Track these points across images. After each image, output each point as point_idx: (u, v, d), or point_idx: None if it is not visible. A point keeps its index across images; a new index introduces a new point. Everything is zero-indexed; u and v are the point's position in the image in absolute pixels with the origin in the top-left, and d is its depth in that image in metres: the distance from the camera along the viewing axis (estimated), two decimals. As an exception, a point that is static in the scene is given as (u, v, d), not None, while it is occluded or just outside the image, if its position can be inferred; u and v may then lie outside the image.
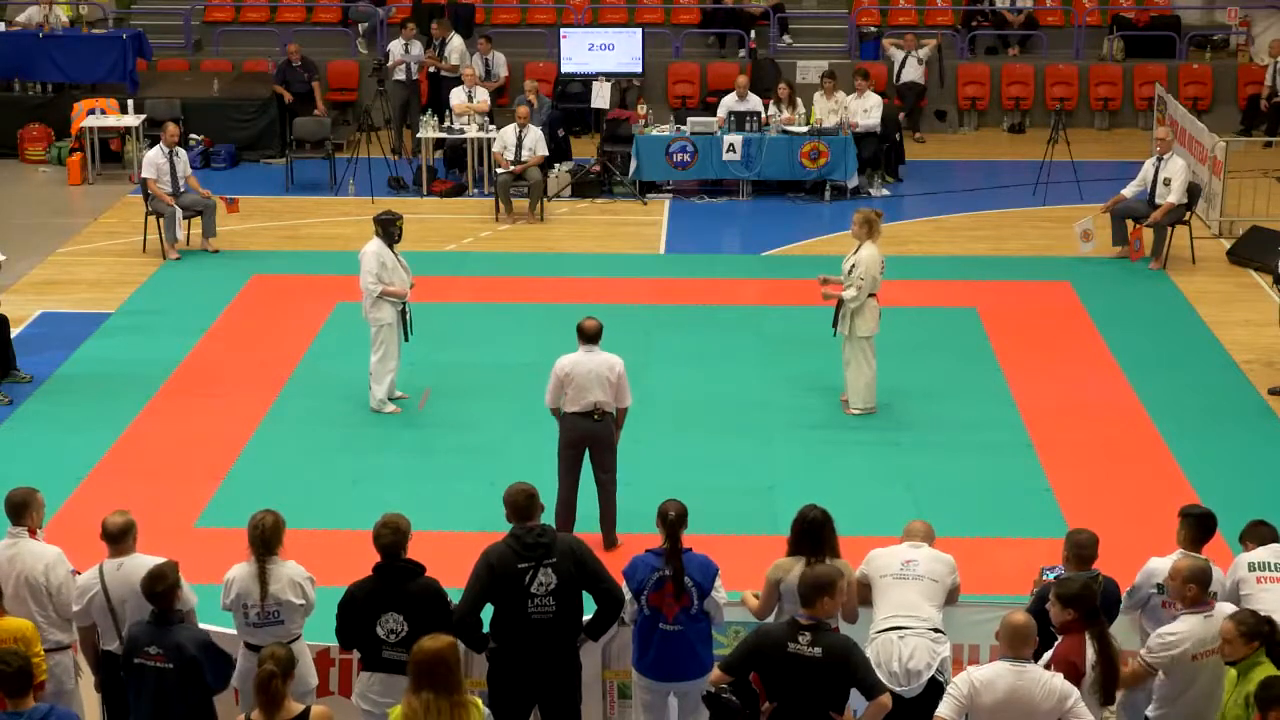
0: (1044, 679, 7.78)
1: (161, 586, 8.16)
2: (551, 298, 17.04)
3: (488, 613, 8.63)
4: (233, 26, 25.90)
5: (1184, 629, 8.31)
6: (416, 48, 22.68)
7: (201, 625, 8.59)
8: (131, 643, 8.25)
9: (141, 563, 8.63)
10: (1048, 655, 8.10)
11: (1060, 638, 8.16)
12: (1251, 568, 8.89)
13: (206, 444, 13.67)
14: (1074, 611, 8.06)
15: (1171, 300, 17.27)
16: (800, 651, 7.81)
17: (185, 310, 16.80)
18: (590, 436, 11.71)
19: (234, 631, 8.75)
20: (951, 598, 8.95)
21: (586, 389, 11.60)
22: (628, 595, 8.71)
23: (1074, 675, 7.96)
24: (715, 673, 8.11)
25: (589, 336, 11.69)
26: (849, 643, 7.97)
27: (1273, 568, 8.85)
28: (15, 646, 8.09)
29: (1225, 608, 8.39)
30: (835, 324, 13.99)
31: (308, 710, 7.58)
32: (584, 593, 8.66)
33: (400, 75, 22.49)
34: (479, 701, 7.65)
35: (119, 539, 8.71)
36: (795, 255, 18.77)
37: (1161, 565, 8.90)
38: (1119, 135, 24.44)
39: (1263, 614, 7.96)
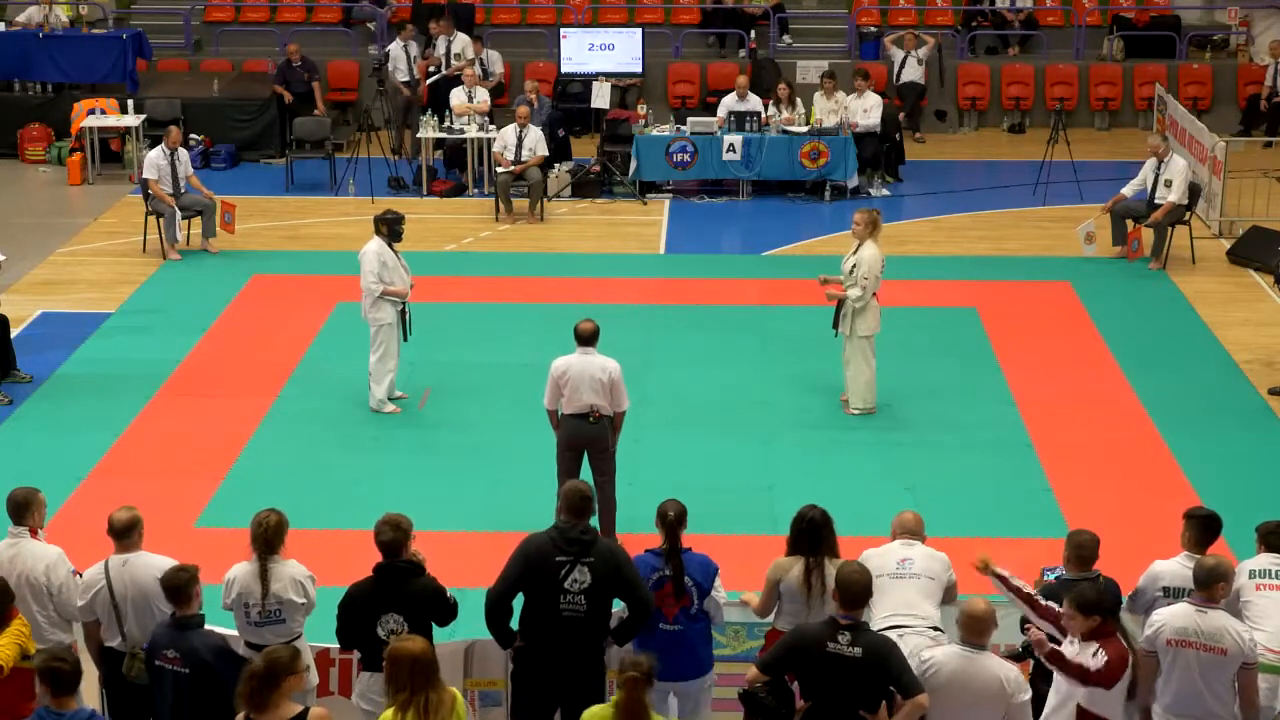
0: (998, 668, 7.83)
1: (177, 582, 8.18)
2: (551, 298, 17.03)
3: (517, 608, 8.59)
4: (233, 26, 25.88)
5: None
6: (415, 48, 22.69)
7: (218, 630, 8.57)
8: (153, 644, 8.30)
9: (147, 559, 8.67)
10: (1102, 660, 7.96)
11: (1096, 645, 8.02)
12: (1252, 575, 8.92)
13: (206, 444, 13.67)
14: (1099, 616, 8.04)
15: (1171, 300, 17.26)
16: (840, 651, 7.86)
17: (185, 310, 16.80)
18: (586, 439, 11.69)
19: (235, 632, 8.75)
20: (949, 596, 8.93)
21: (580, 391, 11.60)
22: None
23: (1123, 668, 7.97)
24: (751, 671, 8.15)
25: (584, 339, 11.68)
26: (890, 643, 8.00)
27: (1272, 575, 8.87)
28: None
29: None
30: (836, 324, 14.00)
31: (306, 711, 7.58)
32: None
33: (404, 76, 22.51)
34: (455, 691, 7.66)
35: (124, 534, 8.72)
36: (795, 255, 18.77)
37: (1166, 569, 8.90)
38: (1119, 135, 24.43)
39: None
